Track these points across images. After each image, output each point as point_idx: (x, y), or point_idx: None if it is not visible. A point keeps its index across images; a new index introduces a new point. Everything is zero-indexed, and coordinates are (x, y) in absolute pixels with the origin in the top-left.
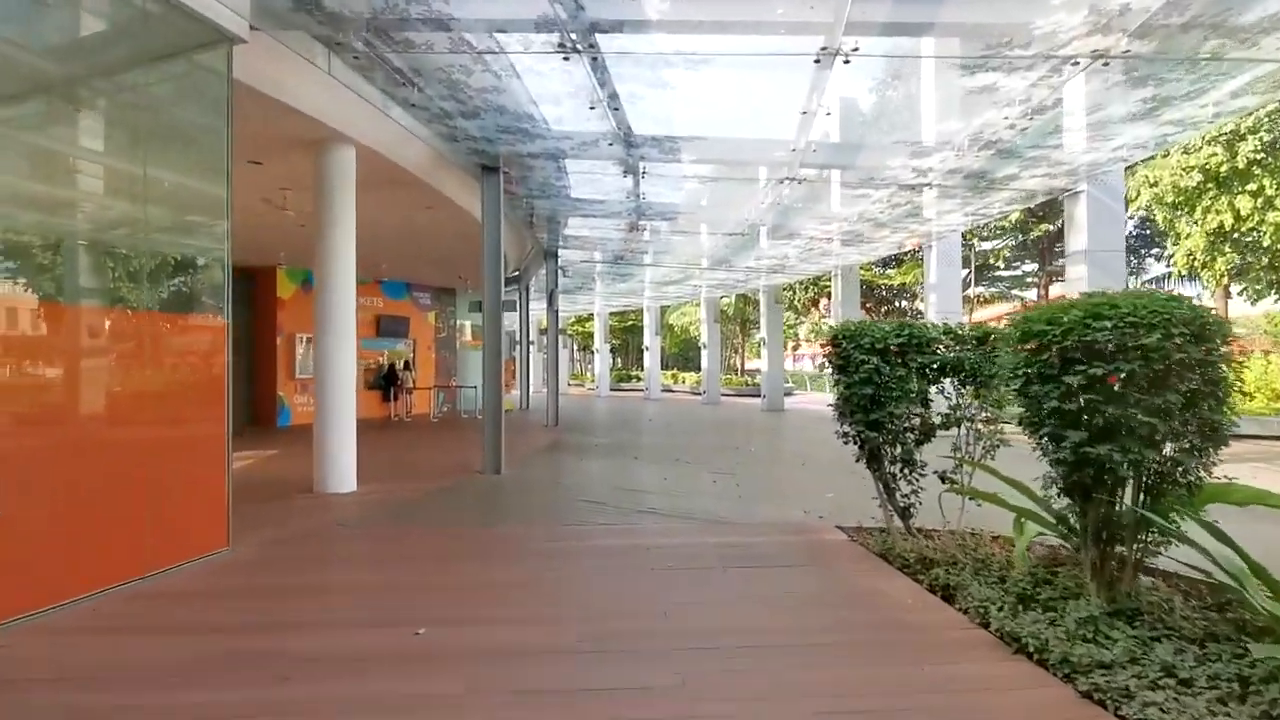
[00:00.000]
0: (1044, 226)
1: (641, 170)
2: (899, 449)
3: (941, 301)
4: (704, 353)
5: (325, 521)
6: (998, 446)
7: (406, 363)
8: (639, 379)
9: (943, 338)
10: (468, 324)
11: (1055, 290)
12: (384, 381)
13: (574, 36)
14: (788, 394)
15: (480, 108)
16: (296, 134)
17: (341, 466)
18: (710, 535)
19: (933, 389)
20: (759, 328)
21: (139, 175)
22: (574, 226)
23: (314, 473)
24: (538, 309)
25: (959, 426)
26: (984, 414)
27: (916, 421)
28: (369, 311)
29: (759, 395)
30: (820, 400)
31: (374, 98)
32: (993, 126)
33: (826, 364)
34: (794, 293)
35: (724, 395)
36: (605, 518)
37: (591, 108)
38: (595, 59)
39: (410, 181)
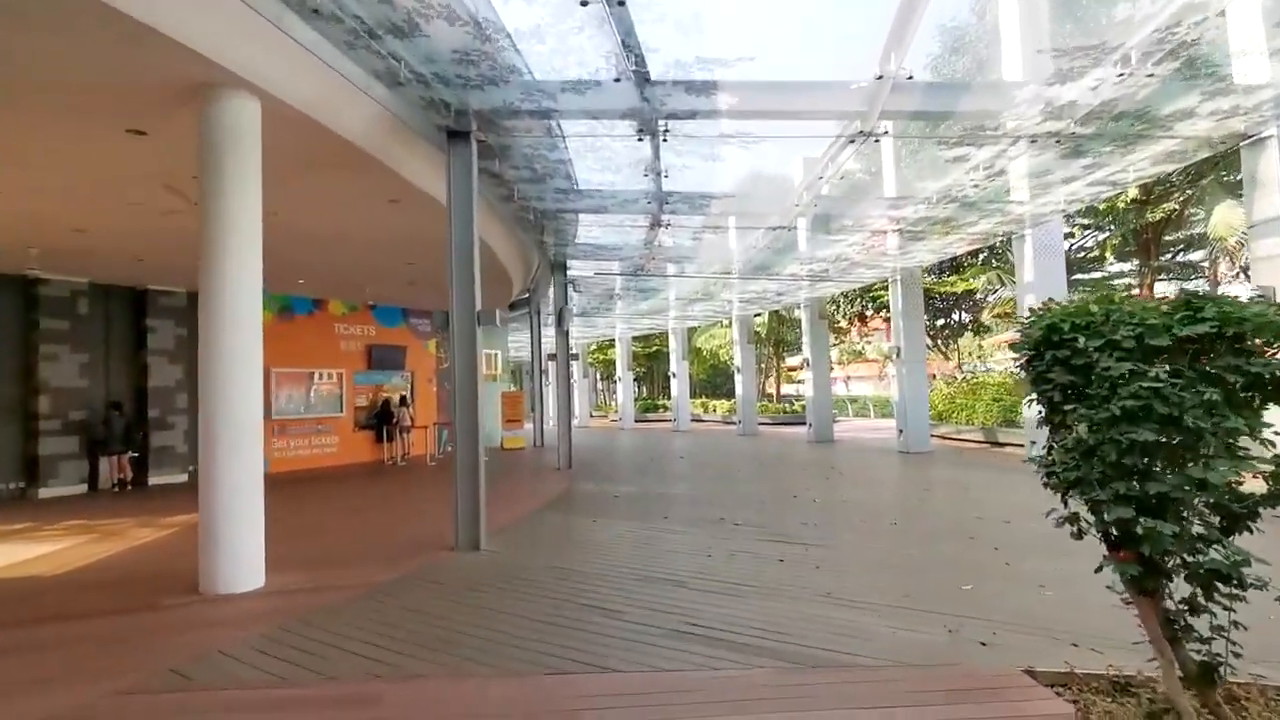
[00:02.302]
0: (1166, 207)
1: (663, 131)
2: (1192, 550)
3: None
4: (737, 378)
5: (157, 668)
6: None
7: (403, 398)
8: (666, 408)
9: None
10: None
11: (1161, 290)
12: (377, 420)
13: None
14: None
15: (415, 11)
16: (168, 73)
17: (241, 553)
18: (810, 705)
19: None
20: (794, 350)
21: None
22: (585, 227)
23: (199, 564)
24: (552, 336)
25: None
26: None
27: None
28: (359, 341)
29: (799, 423)
30: (870, 427)
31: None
32: (1202, 6)
33: (1023, 379)
34: (838, 306)
35: (761, 424)
36: (621, 649)
37: (584, 1)
38: None
39: (359, 161)
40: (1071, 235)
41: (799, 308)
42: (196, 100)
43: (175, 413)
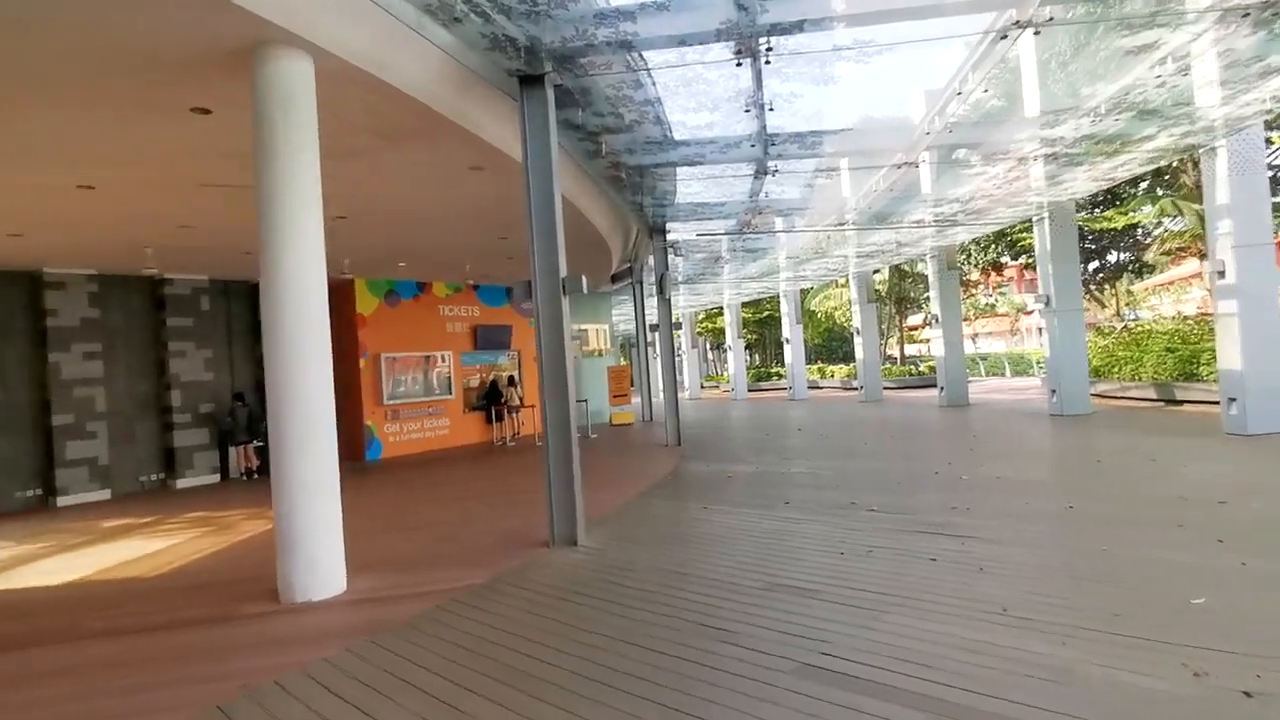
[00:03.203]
0: None
1: (765, 50)
2: None
3: (1243, 230)
4: (856, 340)
5: (203, 705)
6: None
7: (511, 378)
8: (780, 376)
9: None
10: (582, 329)
11: None
12: (486, 401)
13: None
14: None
15: None
16: (210, 35)
17: (317, 558)
18: None
19: None
20: (917, 307)
21: None
22: (684, 182)
23: (277, 569)
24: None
25: None
26: None
27: None
28: (465, 322)
29: (927, 386)
30: (1007, 387)
31: None
32: None
33: None
34: (968, 255)
35: (885, 388)
36: (735, 693)
37: None
38: None
39: (430, 124)
40: (1269, 142)
41: (924, 259)
42: (245, 65)
43: None
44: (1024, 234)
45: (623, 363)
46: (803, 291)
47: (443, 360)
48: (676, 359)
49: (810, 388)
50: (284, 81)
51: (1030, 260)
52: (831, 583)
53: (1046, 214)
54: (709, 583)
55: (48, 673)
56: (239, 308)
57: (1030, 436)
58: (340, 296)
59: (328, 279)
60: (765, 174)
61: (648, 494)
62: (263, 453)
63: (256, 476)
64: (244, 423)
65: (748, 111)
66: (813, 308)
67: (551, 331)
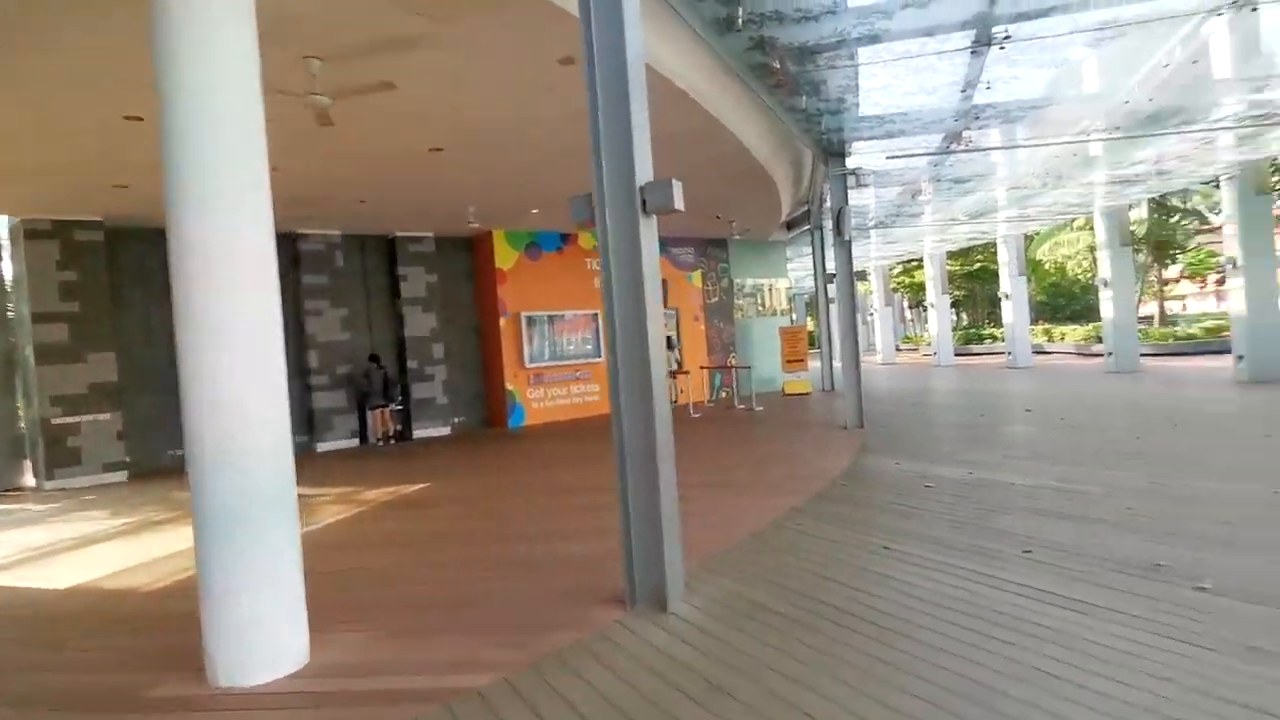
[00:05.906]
0: None
1: None
2: None
3: None
4: (1103, 294)
5: None
6: None
7: (669, 340)
8: (994, 339)
9: None
10: (750, 283)
11: None
12: None
13: None
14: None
15: None
16: None
17: (256, 631)
18: None
19: None
20: (1178, 254)
21: None
22: (867, 75)
23: (202, 638)
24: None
25: None
26: None
27: None
28: None
29: (1204, 354)
30: None
31: None
32: None
33: None
34: None
35: (1142, 355)
36: None
37: None
38: None
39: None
40: None
41: (1214, 184)
42: None
43: (433, 364)
44: None
45: (805, 323)
46: (1027, 236)
47: (582, 319)
48: (867, 318)
49: (1034, 352)
50: None
51: None
52: None
53: None
54: None
55: None
56: (375, 264)
57: None
58: (479, 251)
59: (460, 236)
60: (989, 45)
61: (804, 510)
62: (402, 417)
63: (394, 442)
64: (379, 385)
65: None
66: (1039, 257)
67: (625, 267)
